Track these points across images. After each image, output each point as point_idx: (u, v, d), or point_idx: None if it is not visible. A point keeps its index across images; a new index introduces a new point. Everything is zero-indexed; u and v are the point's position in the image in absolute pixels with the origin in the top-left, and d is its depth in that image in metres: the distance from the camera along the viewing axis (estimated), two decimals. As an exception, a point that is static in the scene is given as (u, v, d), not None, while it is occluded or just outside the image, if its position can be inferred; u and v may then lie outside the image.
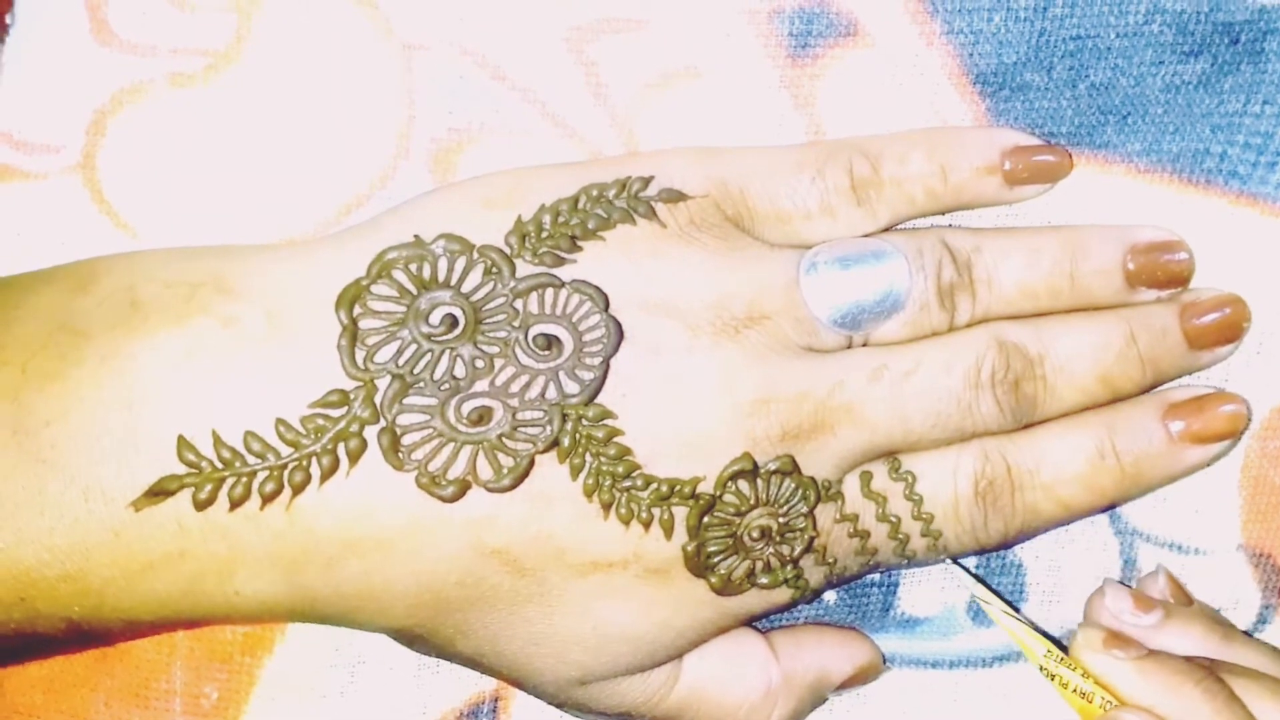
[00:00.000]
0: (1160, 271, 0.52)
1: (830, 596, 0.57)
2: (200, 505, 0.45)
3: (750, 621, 0.53)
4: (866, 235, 0.51)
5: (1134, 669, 0.49)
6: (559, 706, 0.53)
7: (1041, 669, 0.51)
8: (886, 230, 0.52)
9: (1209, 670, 0.50)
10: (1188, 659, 0.50)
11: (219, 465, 0.45)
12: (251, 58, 0.52)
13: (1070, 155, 0.53)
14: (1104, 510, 0.55)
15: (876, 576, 0.57)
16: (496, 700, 0.57)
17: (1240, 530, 0.56)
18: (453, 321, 0.47)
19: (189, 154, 0.53)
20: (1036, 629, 0.52)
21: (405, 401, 0.46)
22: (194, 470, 0.45)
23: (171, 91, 0.52)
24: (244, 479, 0.45)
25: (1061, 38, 0.52)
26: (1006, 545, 0.55)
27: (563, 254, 0.48)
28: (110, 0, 0.52)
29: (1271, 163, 0.53)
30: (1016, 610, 0.54)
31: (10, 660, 0.55)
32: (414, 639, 0.51)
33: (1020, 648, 0.52)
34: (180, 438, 0.45)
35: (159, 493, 0.45)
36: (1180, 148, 0.54)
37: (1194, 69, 0.53)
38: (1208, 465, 0.54)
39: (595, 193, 0.49)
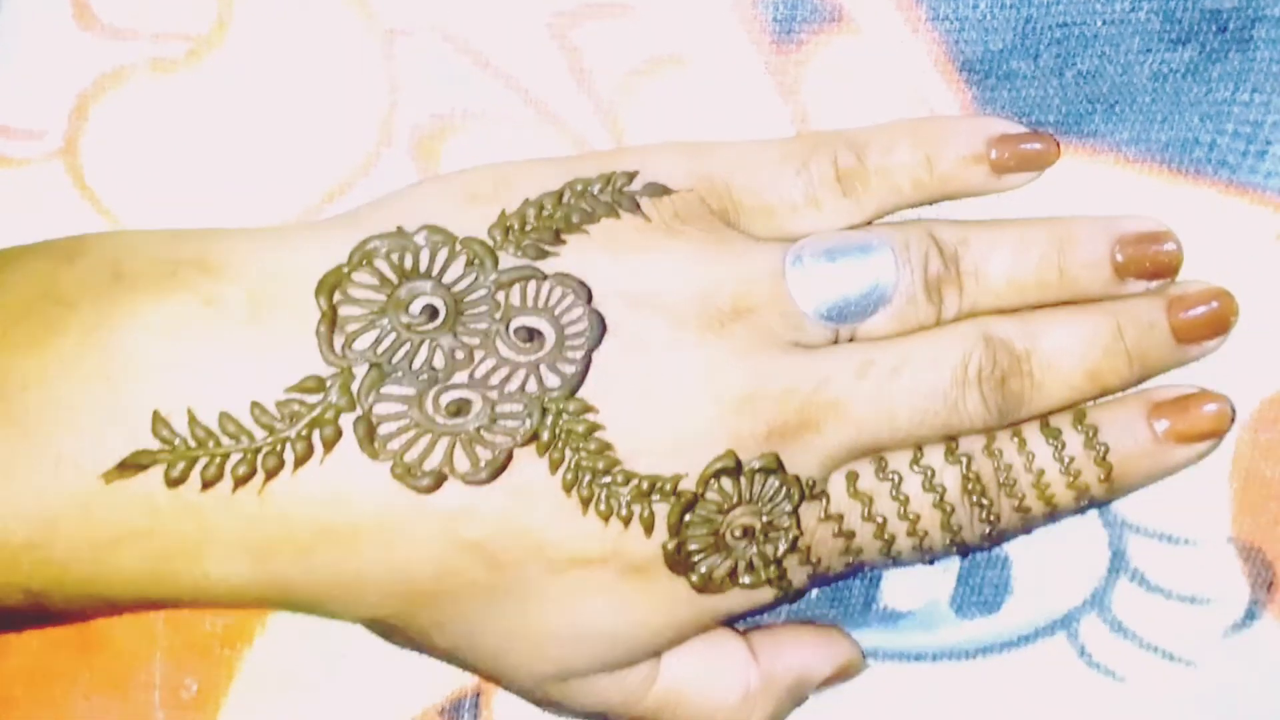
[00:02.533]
0: (1149, 262, 0.52)
1: (812, 591, 0.57)
2: (172, 483, 0.45)
3: (731, 620, 0.53)
4: (853, 227, 0.51)
5: None
6: (536, 703, 0.53)
7: None
8: (873, 222, 0.52)
9: None
10: None
11: (193, 444, 0.45)
12: (233, 43, 0.52)
13: (1057, 143, 0.52)
14: (1089, 509, 0.54)
15: (859, 570, 0.57)
16: (479, 695, 0.57)
17: (1230, 523, 0.56)
18: (433, 312, 0.46)
19: (171, 139, 0.53)
20: None
21: (382, 390, 0.46)
22: (168, 447, 0.45)
23: (154, 76, 0.52)
24: (217, 460, 0.45)
25: (1048, 25, 0.52)
26: (992, 544, 0.54)
27: (546, 247, 0.47)
28: (91, -16, 0.52)
29: (1261, 151, 0.53)
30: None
31: (-34, 631, 0.55)
32: (389, 630, 0.50)
33: None
34: (155, 413, 0.45)
35: (130, 466, 0.44)
36: (1169, 136, 0.53)
37: (1182, 57, 0.52)
38: (1193, 464, 0.54)
39: (580, 187, 0.49)
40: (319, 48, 0.52)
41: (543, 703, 0.53)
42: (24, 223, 0.53)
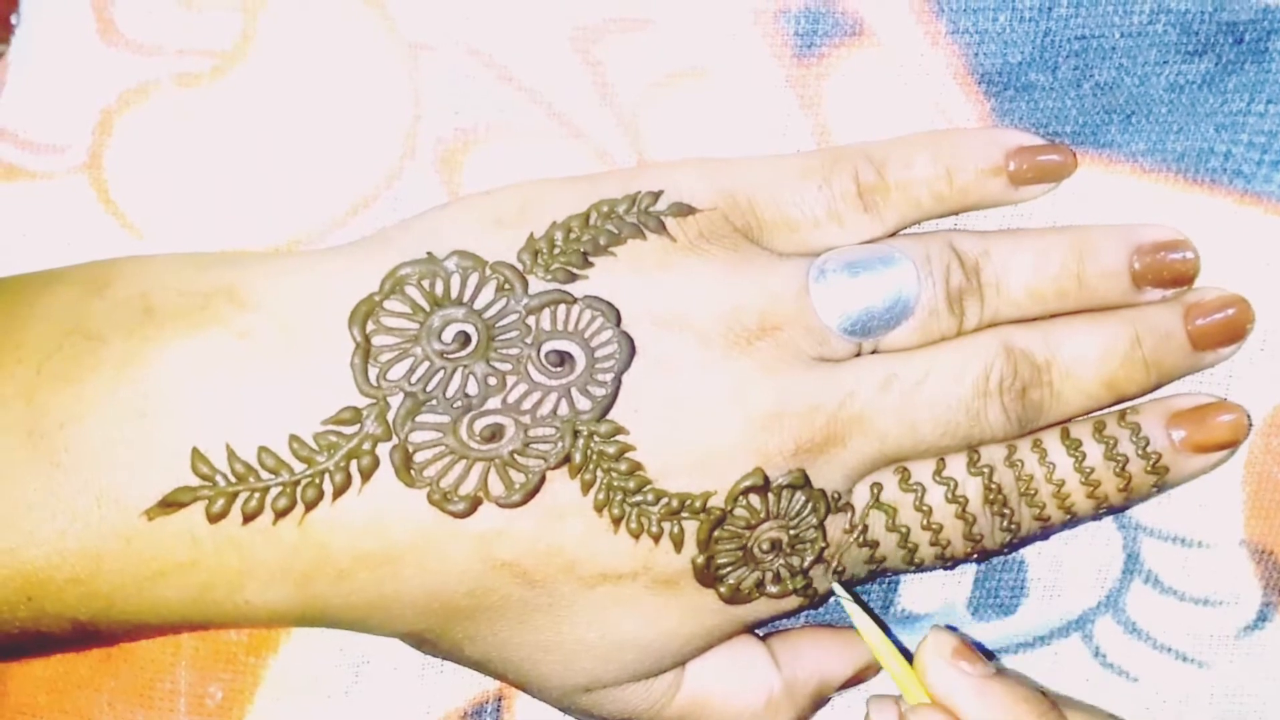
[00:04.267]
0: (1166, 271, 0.53)
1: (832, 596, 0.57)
2: (213, 518, 0.45)
3: (756, 626, 0.54)
4: (874, 241, 0.52)
5: (974, 687, 0.49)
6: (564, 711, 0.54)
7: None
8: (894, 235, 0.52)
9: (1054, 704, 0.50)
10: (1037, 690, 0.50)
11: (232, 479, 0.45)
12: (258, 58, 0.52)
13: (1074, 154, 0.53)
14: (1106, 515, 0.55)
15: (877, 573, 0.57)
16: (500, 700, 0.58)
17: (1243, 526, 0.57)
18: (465, 339, 0.47)
19: (195, 154, 0.53)
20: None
21: (418, 419, 0.46)
22: (207, 483, 0.45)
23: (178, 91, 0.52)
24: (257, 494, 0.45)
25: (1066, 37, 0.52)
26: (1011, 550, 0.55)
27: (574, 270, 0.48)
28: (117, 0, 0.52)
29: (1275, 162, 0.53)
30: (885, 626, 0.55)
31: (13, 656, 0.55)
32: (422, 641, 0.51)
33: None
34: (195, 450, 0.45)
35: (172, 504, 0.45)
36: (1184, 147, 0.54)
37: (1198, 68, 0.53)
38: (1208, 471, 0.54)
39: (605, 209, 0.49)
40: (343, 62, 0.52)
41: (571, 711, 0.53)
42: (47, 236, 0.53)
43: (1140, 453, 0.52)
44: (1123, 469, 0.52)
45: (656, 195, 0.49)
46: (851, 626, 0.57)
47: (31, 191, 0.53)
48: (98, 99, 0.52)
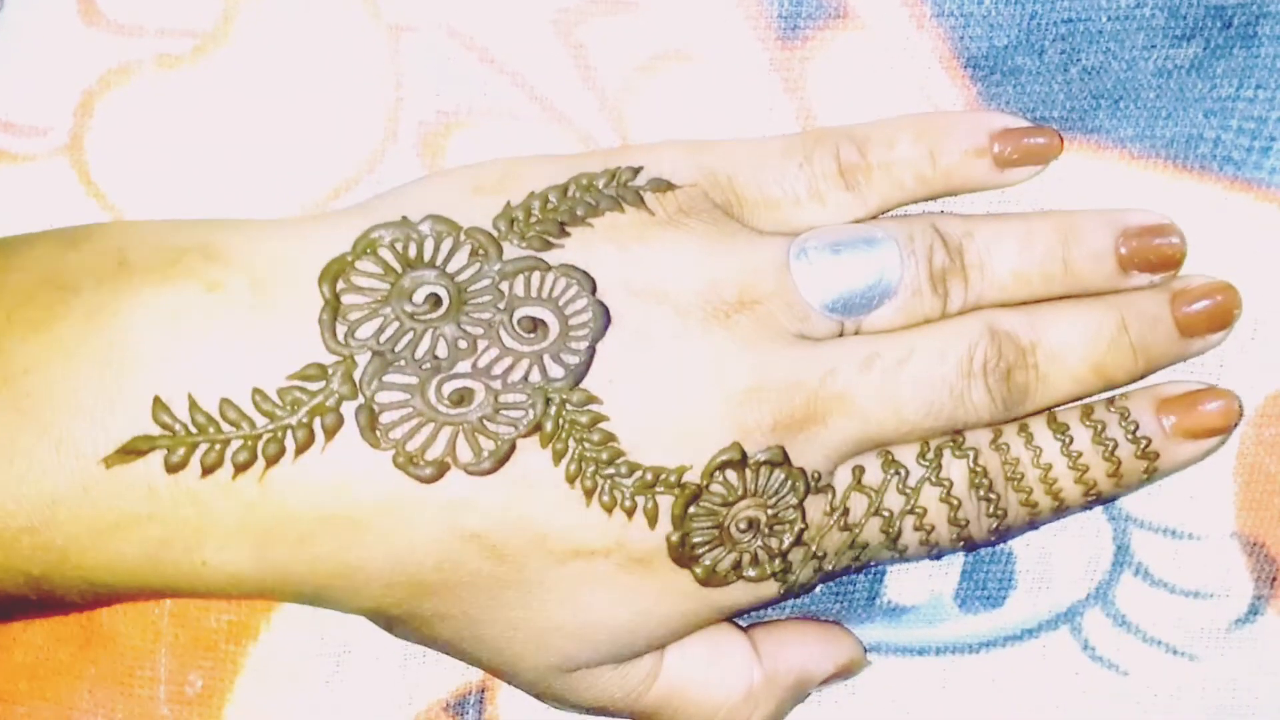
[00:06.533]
0: (1153, 255, 0.52)
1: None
2: (172, 468, 0.45)
3: (735, 616, 0.53)
4: (857, 221, 0.51)
5: None
6: (538, 697, 0.53)
7: None
8: (877, 216, 0.52)
9: None
10: None
11: (193, 430, 0.45)
12: (239, 39, 0.52)
13: (1060, 136, 0.52)
14: (1096, 505, 0.54)
15: (862, 563, 0.57)
16: (483, 691, 0.57)
17: (1234, 518, 0.56)
18: (436, 301, 0.46)
19: (176, 136, 0.53)
20: None
21: (385, 379, 0.46)
22: (168, 432, 0.45)
23: (159, 73, 0.52)
24: (217, 446, 0.45)
25: (1053, 21, 0.52)
26: (998, 541, 0.54)
27: (550, 238, 0.47)
28: (97, -20, 0.52)
29: (1265, 147, 0.53)
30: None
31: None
32: (392, 621, 0.50)
33: None
34: (156, 399, 0.45)
35: (131, 452, 0.44)
36: (1173, 133, 0.53)
37: (1186, 53, 0.53)
38: (1199, 460, 0.54)
39: (585, 181, 0.49)
40: (325, 44, 0.52)
41: (545, 696, 0.52)
42: (28, 219, 0.53)
43: (1130, 437, 0.52)
44: (1111, 454, 0.52)
45: (636, 170, 0.49)
46: (836, 621, 0.57)
47: (12, 174, 0.53)
48: (79, 80, 0.52)
